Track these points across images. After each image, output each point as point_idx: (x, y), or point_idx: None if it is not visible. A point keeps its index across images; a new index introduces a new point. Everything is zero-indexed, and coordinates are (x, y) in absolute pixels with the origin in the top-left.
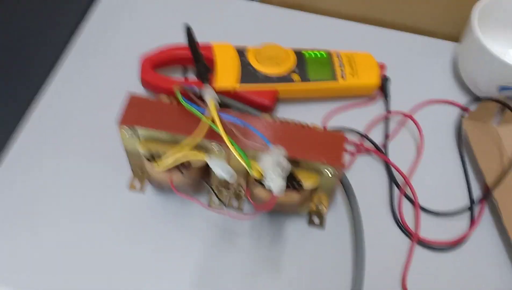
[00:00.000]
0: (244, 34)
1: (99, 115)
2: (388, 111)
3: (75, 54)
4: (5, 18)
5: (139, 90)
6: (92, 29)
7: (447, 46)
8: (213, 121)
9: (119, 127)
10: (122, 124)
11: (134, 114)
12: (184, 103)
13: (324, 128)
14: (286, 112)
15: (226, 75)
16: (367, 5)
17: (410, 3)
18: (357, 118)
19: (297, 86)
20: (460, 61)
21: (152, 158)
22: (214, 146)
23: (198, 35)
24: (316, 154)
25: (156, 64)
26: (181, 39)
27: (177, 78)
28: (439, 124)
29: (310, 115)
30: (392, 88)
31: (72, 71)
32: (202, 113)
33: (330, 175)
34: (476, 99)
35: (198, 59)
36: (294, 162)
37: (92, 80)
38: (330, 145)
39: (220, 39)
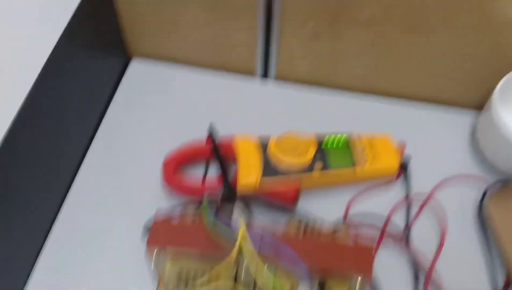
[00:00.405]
0: (262, 115)
1: (123, 222)
2: (408, 195)
3: (95, 156)
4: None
5: (161, 192)
6: (109, 128)
7: (467, 115)
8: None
9: (147, 252)
10: (150, 248)
11: (161, 239)
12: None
13: (354, 240)
14: (307, 201)
15: (249, 172)
16: (382, 78)
17: (427, 73)
18: (379, 201)
19: (319, 176)
20: (481, 140)
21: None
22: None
23: (217, 121)
24: (347, 267)
25: (179, 164)
26: (201, 132)
27: (198, 181)
28: (462, 203)
29: (331, 202)
30: (413, 164)
31: (92, 176)
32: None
33: (359, 285)
34: (499, 175)
35: (225, 180)
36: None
37: (114, 182)
38: (359, 257)
39: (239, 121)
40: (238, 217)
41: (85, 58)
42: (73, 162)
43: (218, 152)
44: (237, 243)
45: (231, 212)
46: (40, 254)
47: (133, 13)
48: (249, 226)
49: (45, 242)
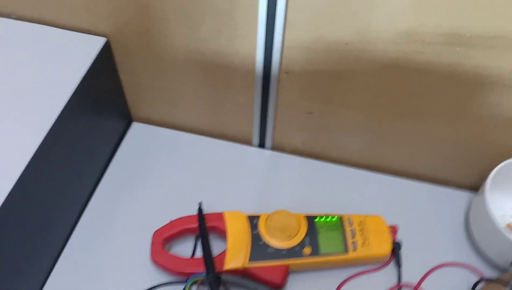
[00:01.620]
0: (257, 183)
1: None
2: (399, 285)
3: (86, 225)
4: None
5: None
6: (104, 193)
7: (462, 196)
8: None
9: None
10: None
11: None
12: None
13: None
14: (296, 283)
15: (237, 254)
16: (375, 155)
17: (421, 154)
18: (368, 287)
19: (308, 260)
20: (473, 225)
21: None
22: None
23: (213, 189)
24: None
25: (167, 241)
26: (195, 201)
27: (186, 261)
28: None
29: (320, 285)
30: (404, 247)
31: (82, 244)
32: None
33: None
34: (490, 264)
35: (209, 268)
36: None
37: (103, 253)
38: None
39: (232, 191)
40: None
41: (88, 122)
42: (65, 229)
43: (205, 238)
44: None
45: None
46: None
47: (135, 83)
48: None
49: None
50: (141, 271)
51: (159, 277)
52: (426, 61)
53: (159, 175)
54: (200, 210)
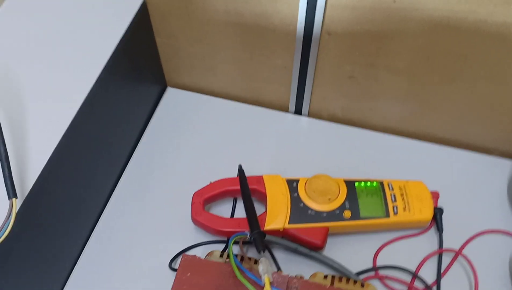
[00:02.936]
0: (294, 151)
1: (152, 257)
2: (441, 249)
3: (125, 187)
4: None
5: (189, 227)
6: (141, 156)
7: (504, 165)
8: None
9: None
10: None
11: (187, 280)
12: (237, 272)
13: None
14: (334, 246)
15: (277, 215)
16: (417, 122)
17: (465, 120)
18: (408, 251)
19: (349, 223)
20: None
21: None
22: None
23: (248, 155)
24: None
25: (208, 202)
26: (231, 164)
27: (227, 221)
28: (495, 258)
29: (359, 249)
30: (445, 214)
31: (121, 206)
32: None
33: None
34: None
35: (253, 225)
36: None
37: (143, 214)
38: None
39: (271, 155)
40: (263, 272)
41: (124, 86)
42: (104, 192)
43: (248, 197)
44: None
45: (255, 261)
46: (67, 282)
47: (171, 47)
48: (273, 282)
49: (71, 273)
50: (181, 231)
51: (198, 236)
52: (478, 20)
53: (195, 140)
54: (241, 171)
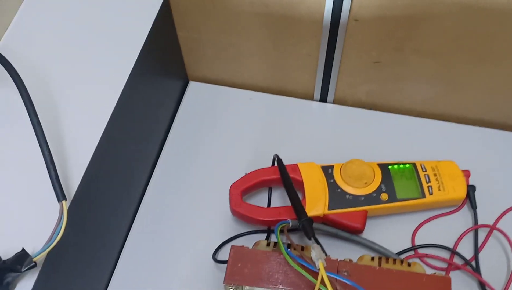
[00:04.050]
0: (322, 138)
1: (194, 250)
2: (476, 225)
3: (158, 181)
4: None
5: (226, 219)
6: (171, 151)
7: None
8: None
9: (224, 287)
10: (227, 283)
11: (238, 271)
12: (289, 259)
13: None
14: (374, 227)
15: (316, 202)
16: (444, 103)
17: (494, 99)
18: (444, 229)
19: (386, 206)
20: None
21: None
22: None
23: (277, 144)
24: None
25: (245, 192)
26: (261, 154)
27: (267, 210)
28: None
29: (396, 229)
30: (477, 192)
31: (158, 201)
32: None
33: None
34: None
35: (301, 213)
36: None
37: (180, 206)
38: (437, 288)
39: (300, 144)
40: (317, 258)
41: (150, 83)
42: (139, 188)
43: (291, 185)
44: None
45: (302, 248)
46: (112, 276)
47: (193, 40)
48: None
49: (114, 269)
50: (219, 223)
51: (237, 227)
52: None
53: (223, 132)
54: (279, 160)
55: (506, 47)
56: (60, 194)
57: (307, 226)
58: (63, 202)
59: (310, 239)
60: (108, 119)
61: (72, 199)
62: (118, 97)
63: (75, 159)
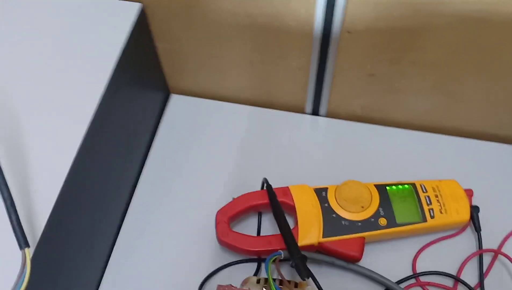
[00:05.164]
0: (315, 156)
1: (177, 280)
2: (481, 249)
3: (134, 216)
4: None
5: (216, 246)
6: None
7: None
8: None
9: None
10: None
11: None
12: None
13: None
14: (371, 253)
15: (309, 229)
16: (443, 116)
17: (496, 111)
18: (447, 254)
19: (385, 232)
20: None
21: None
22: None
23: (266, 162)
24: None
25: (232, 219)
26: (249, 173)
27: (256, 239)
28: None
29: (397, 255)
30: (480, 213)
31: (134, 236)
32: None
33: None
34: None
35: (294, 250)
36: None
37: (162, 235)
38: None
39: (291, 163)
40: None
41: (128, 99)
42: (116, 216)
43: (282, 216)
44: None
45: (296, 285)
46: None
47: (173, 52)
48: None
49: None
50: (204, 252)
51: (225, 255)
52: (510, 12)
53: (207, 149)
54: (268, 186)
55: (508, 61)
56: (23, 241)
57: (301, 265)
58: (26, 249)
59: (304, 279)
60: (79, 145)
61: (38, 243)
62: (90, 120)
63: (41, 195)
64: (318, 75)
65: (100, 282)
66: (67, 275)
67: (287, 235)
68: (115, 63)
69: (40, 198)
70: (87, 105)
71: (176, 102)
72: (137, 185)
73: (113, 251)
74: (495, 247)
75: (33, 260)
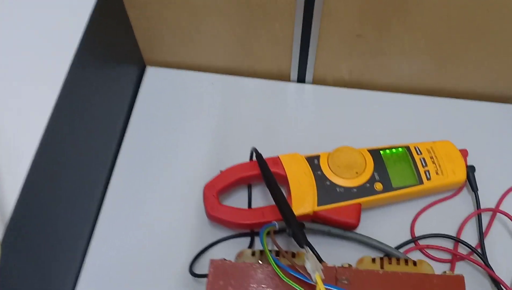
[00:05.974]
0: (304, 124)
1: (167, 259)
2: (479, 209)
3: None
4: None
5: (205, 222)
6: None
7: None
8: None
9: None
10: None
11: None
12: (280, 272)
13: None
14: (368, 220)
15: (304, 198)
16: (434, 77)
17: (489, 70)
18: (445, 216)
19: (382, 196)
20: None
21: None
22: None
23: (253, 134)
24: None
25: (221, 192)
26: (234, 144)
27: (249, 212)
28: None
29: (394, 220)
30: (476, 173)
31: (115, 217)
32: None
33: None
34: None
35: (290, 218)
36: None
37: (147, 213)
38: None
39: (279, 132)
40: (313, 270)
41: (99, 73)
42: (96, 194)
43: (275, 185)
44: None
45: (293, 255)
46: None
47: (146, 20)
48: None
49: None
50: (194, 229)
51: (216, 232)
52: None
53: (189, 122)
54: (258, 155)
55: (498, 19)
56: None
57: (298, 233)
58: None
59: (302, 247)
60: (46, 122)
61: (8, 224)
62: (58, 93)
63: (9, 176)
64: (303, 38)
65: (83, 259)
66: (47, 252)
67: (283, 203)
68: (82, 34)
69: (7, 178)
70: (52, 81)
71: (152, 75)
72: (116, 163)
73: (97, 224)
74: (493, 206)
75: (4, 241)
